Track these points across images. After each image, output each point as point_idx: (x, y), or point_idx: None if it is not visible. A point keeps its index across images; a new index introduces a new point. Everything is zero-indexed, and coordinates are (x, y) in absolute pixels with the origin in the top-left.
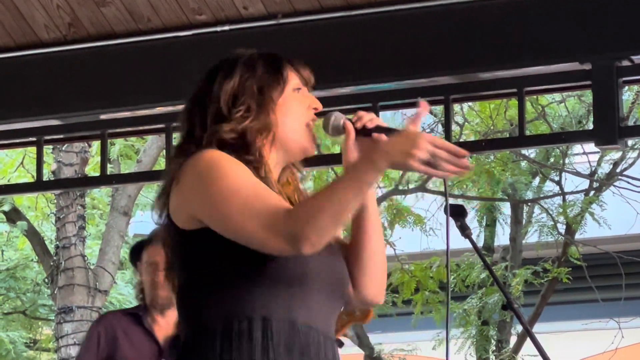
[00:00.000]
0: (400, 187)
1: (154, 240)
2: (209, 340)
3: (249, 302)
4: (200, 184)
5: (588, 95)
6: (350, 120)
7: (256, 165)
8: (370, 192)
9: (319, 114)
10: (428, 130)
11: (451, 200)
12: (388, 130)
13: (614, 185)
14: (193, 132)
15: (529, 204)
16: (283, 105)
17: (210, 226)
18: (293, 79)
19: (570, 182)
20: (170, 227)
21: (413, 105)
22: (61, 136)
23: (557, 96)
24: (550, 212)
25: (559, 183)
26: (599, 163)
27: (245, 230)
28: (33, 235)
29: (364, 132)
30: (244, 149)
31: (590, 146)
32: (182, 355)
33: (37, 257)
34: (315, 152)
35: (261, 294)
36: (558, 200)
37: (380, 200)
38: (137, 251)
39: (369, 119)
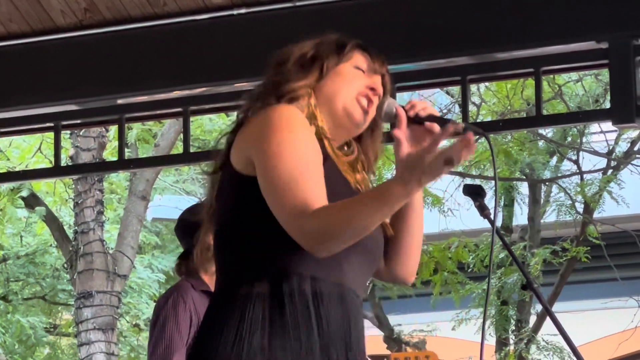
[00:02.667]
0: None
1: None
2: (252, 293)
3: (295, 261)
4: (265, 136)
5: (605, 74)
6: (403, 107)
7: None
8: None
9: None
10: (445, 110)
11: (469, 181)
12: (440, 119)
13: (632, 164)
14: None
15: (547, 183)
16: (336, 74)
17: (257, 173)
18: (359, 60)
19: (588, 161)
20: (228, 167)
21: (430, 86)
22: (78, 121)
23: (574, 75)
24: (568, 192)
25: (576, 162)
26: (616, 142)
27: (277, 203)
28: (52, 220)
29: (416, 120)
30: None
31: (607, 125)
32: (217, 302)
33: (55, 243)
34: None
35: (304, 258)
36: (576, 179)
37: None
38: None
39: (421, 107)
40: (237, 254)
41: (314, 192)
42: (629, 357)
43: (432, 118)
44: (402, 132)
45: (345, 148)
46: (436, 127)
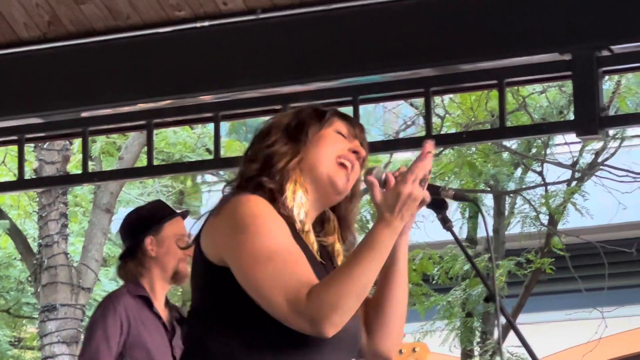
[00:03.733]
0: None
1: (175, 214)
2: None
3: (261, 353)
4: (235, 236)
5: (569, 86)
6: (393, 174)
7: (281, 192)
8: (403, 245)
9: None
10: (409, 122)
11: None
12: (431, 187)
13: (596, 175)
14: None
15: (511, 195)
16: (318, 140)
17: (237, 279)
18: (339, 125)
19: (552, 173)
20: (197, 250)
21: (394, 98)
22: (42, 134)
23: (538, 87)
24: (533, 203)
25: (540, 174)
26: (580, 153)
27: (270, 301)
28: (16, 233)
29: None
30: (266, 173)
31: (571, 136)
32: None
33: (20, 256)
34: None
35: (273, 348)
36: (540, 190)
37: (361, 194)
38: (147, 224)
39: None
40: (208, 342)
41: (302, 274)
42: None
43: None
44: (374, 178)
45: (320, 233)
46: (427, 194)
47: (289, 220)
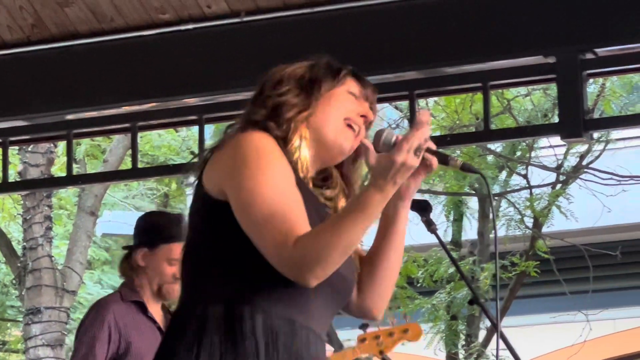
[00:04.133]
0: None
1: (176, 240)
2: (206, 316)
3: (252, 293)
4: (237, 170)
5: (553, 89)
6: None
7: (285, 141)
8: (404, 211)
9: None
10: (394, 125)
11: (417, 195)
12: (439, 154)
13: (581, 178)
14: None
15: (496, 198)
16: (329, 97)
17: (234, 213)
18: (352, 85)
19: (537, 176)
20: (200, 186)
21: (378, 101)
22: (27, 137)
23: (523, 90)
24: (518, 206)
25: (525, 177)
26: (565, 156)
27: (259, 241)
28: (0, 236)
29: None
30: (273, 121)
31: (556, 139)
32: (175, 321)
33: (4, 259)
34: None
35: (264, 289)
36: (525, 193)
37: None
38: (148, 234)
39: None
40: (200, 276)
41: (294, 221)
42: None
43: (431, 151)
44: (368, 141)
45: (323, 187)
46: (435, 161)
47: (294, 166)
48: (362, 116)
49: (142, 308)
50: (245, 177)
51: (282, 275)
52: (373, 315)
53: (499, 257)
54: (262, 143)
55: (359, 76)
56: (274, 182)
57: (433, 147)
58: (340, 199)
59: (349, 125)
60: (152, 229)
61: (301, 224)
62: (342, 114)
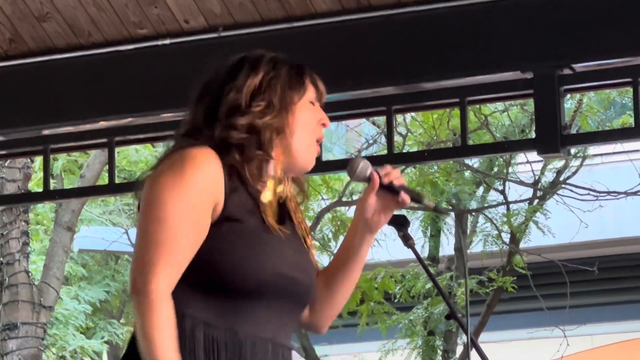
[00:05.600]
0: (344, 199)
1: None
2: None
3: (195, 305)
4: (155, 194)
5: (531, 104)
6: (377, 172)
7: (258, 167)
8: (369, 242)
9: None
10: (371, 141)
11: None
12: (413, 192)
13: (558, 194)
14: (196, 126)
15: (473, 213)
16: (296, 112)
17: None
18: (310, 91)
19: (514, 191)
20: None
21: (356, 116)
22: (3, 152)
23: (500, 105)
24: (495, 222)
25: (502, 192)
26: (542, 172)
27: (136, 252)
28: None
29: (387, 188)
30: (254, 146)
31: (533, 155)
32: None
33: None
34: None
35: (204, 301)
36: (502, 209)
37: (324, 212)
38: None
39: (396, 176)
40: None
41: (167, 266)
42: None
43: (405, 190)
44: (371, 196)
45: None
46: (408, 200)
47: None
48: (322, 124)
49: None
50: (158, 200)
51: (223, 287)
52: (320, 331)
53: (476, 274)
54: (188, 164)
55: (310, 74)
56: (176, 209)
57: (405, 184)
58: (291, 200)
59: (317, 140)
60: None
61: (171, 275)
62: (311, 132)
